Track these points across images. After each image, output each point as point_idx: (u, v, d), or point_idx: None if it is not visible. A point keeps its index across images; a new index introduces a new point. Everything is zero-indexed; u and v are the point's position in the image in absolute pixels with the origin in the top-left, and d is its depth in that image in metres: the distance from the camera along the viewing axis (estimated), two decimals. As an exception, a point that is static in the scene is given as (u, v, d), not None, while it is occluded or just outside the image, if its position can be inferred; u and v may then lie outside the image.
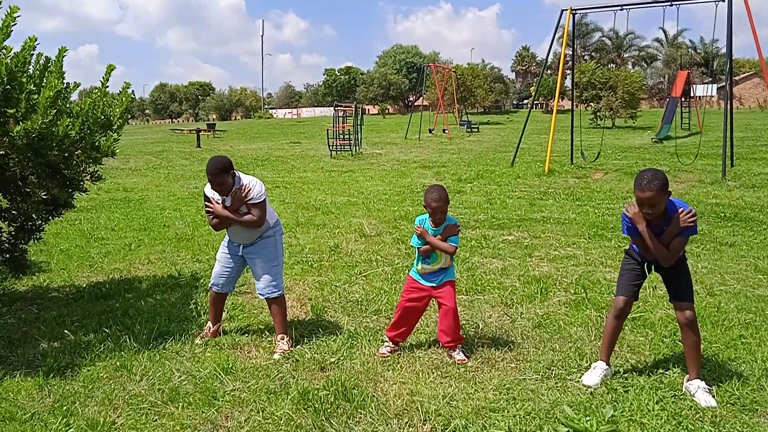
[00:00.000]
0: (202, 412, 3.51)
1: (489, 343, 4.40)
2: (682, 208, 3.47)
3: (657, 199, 3.37)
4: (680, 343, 4.19)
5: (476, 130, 36.07)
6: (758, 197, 10.26)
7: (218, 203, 4.35)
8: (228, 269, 4.60)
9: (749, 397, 3.47)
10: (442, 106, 37.72)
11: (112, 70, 5.28)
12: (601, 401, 3.48)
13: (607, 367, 3.80)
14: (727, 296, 5.31)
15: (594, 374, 3.75)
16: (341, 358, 4.20)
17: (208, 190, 4.41)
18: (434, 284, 4.21)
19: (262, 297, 4.52)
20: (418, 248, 4.20)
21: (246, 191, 4.30)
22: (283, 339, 4.41)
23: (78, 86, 5.27)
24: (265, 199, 4.36)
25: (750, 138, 22.83)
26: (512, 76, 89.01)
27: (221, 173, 4.21)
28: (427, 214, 4.18)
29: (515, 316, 4.97)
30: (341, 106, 26.25)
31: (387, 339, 4.35)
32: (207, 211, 4.42)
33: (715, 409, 3.35)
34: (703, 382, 3.53)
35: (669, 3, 14.13)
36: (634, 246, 3.74)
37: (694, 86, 32.52)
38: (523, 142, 17.71)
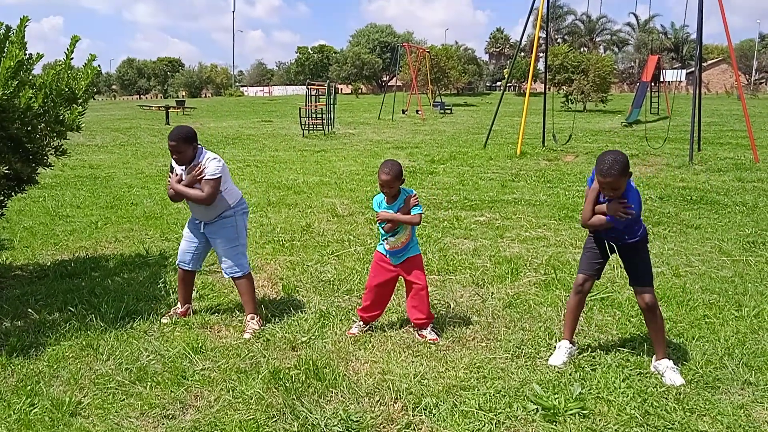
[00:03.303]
0: (171, 391, 3.47)
1: (460, 323, 4.43)
2: (629, 202, 3.49)
3: (617, 184, 3.41)
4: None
5: (449, 111, 36.07)
6: (723, 181, 10.48)
7: (177, 176, 4.31)
8: (193, 245, 4.54)
9: (712, 375, 3.56)
10: (416, 87, 37.60)
11: (77, 41, 5.11)
12: (569, 379, 3.54)
13: (570, 345, 3.86)
14: (692, 277, 5.42)
15: (559, 354, 3.81)
16: (312, 337, 4.19)
17: (176, 167, 4.35)
18: (401, 261, 4.19)
19: (229, 276, 4.49)
20: (382, 227, 4.16)
21: (200, 169, 4.21)
22: (253, 318, 4.37)
23: (41, 57, 5.07)
24: (218, 178, 4.22)
25: (717, 123, 23.29)
26: (486, 57, 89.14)
27: (181, 142, 4.15)
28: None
29: (486, 296, 5.01)
30: (314, 84, 25.97)
31: (358, 319, 4.34)
32: (168, 182, 4.39)
33: (680, 386, 3.43)
34: (671, 361, 3.61)
35: (641, -13, 14.21)
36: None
37: (663, 71, 32.95)
38: (495, 124, 17.77)
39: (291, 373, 3.62)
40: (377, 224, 4.23)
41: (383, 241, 4.23)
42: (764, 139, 17.17)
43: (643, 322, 4.27)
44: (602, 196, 3.58)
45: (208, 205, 4.29)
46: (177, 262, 4.65)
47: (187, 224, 4.63)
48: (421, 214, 4.13)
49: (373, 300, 4.26)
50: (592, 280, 3.89)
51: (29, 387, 3.51)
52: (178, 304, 4.68)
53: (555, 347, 3.93)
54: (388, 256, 4.22)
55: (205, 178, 4.20)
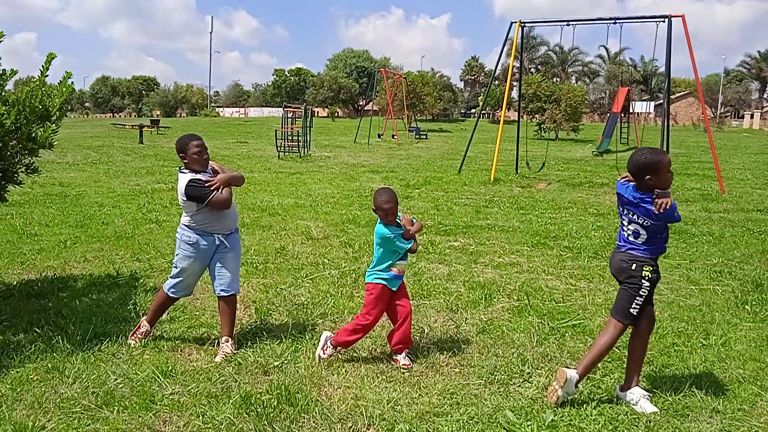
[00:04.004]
0: (139, 416, 3.39)
1: (434, 348, 4.43)
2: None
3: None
4: (617, 350, 4.33)
5: (425, 137, 36.43)
6: (691, 211, 10.73)
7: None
8: (198, 277, 4.45)
9: (681, 403, 3.61)
10: (392, 112, 37.91)
11: (53, 58, 5.06)
12: (541, 406, 3.55)
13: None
14: (661, 305, 5.51)
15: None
16: (285, 361, 4.14)
17: (194, 176, 4.19)
18: (396, 287, 4.19)
19: (226, 294, 4.31)
20: (405, 250, 4.12)
21: (218, 165, 4.38)
22: (228, 341, 4.30)
23: (15, 73, 5.02)
24: None
25: (684, 154, 23.90)
26: (461, 84, 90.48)
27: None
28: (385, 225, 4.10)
29: (460, 322, 5.02)
30: (290, 107, 26.02)
31: (393, 350, 4.23)
32: (209, 190, 4.15)
33: (651, 414, 3.46)
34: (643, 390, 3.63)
35: (613, 21, 14.65)
36: (677, 215, 3.46)
37: (633, 103, 33.81)
38: (470, 150, 17.99)
39: (263, 398, 3.57)
40: (399, 246, 4.10)
41: (389, 269, 4.11)
42: (730, 171, 17.68)
43: (614, 349, 4.34)
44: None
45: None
46: (172, 293, 4.43)
47: (194, 259, 4.31)
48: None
49: (393, 319, 4.22)
50: None
51: (-10, 411, 3.40)
52: (145, 324, 4.51)
53: (528, 373, 3.95)
54: (389, 284, 4.14)
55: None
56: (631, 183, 3.56)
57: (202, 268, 4.42)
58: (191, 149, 4.21)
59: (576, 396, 3.65)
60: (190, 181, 4.18)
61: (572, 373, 3.55)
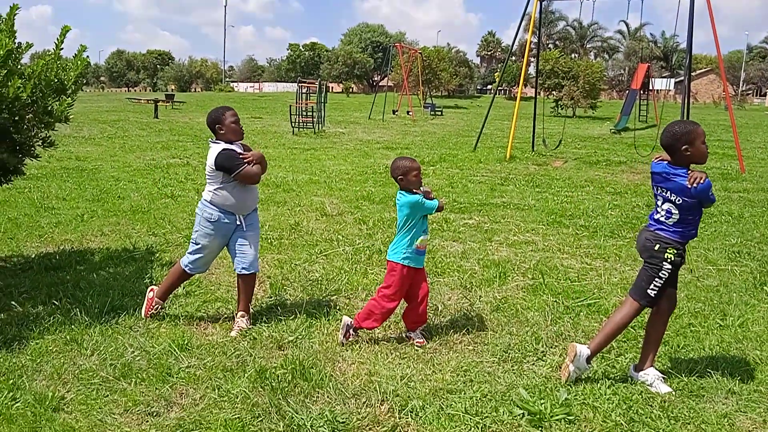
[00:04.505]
0: (156, 388, 3.44)
1: (447, 326, 4.44)
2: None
3: None
4: (632, 330, 4.31)
5: (440, 113, 36.14)
6: (709, 190, 10.58)
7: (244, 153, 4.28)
8: (215, 253, 4.47)
9: (696, 383, 3.59)
10: (407, 88, 37.62)
11: (68, 31, 5.04)
12: (555, 385, 3.55)
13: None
14: (679, 285, 5.42)
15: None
16: (299, 337, 4.17)
17: (229, 147, 4.22)
18: (423, 264, 4.17)
19: (247, 273, 4.32)
20: (434, 209, 4.09)
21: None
22: (244, 317, 4.34)
23: (30, 47, 5.00)
24: None
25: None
26: (477, 60, 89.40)
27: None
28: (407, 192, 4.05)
29: (474, 300, 5.01)
30: (305, 82, 25.87)
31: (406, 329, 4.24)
32: (244, 162, 4.19)
33: (665, 394, 3.45)
34: (658, 371, 3.62)
35: (634, -4, 14.33)
36: (711, 195, 3.39)
37: (653, 80, 33.24)
38: (485, 127, 17.83)
39: (277, 373, 3.60)
40: (429, 209, 4.07)
41: (413, 246, 4.04)
42: (750, 150, 17.38)
43: (629, 328, 4.33)
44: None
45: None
46: (190, 269, 4.43)
47: (214, 237, 4.31)
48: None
49: (409, 299, 4.20)
50: None
51: (11, 381, 3.46)
52: (157, 297, 4.51)
53: (542, 352, 3.96)
54: (415, 263, 4.07)
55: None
56: (665, 161, 3.49)
57: (221, 246, 4.42)
58: (228, 118, 4.23)
59: (589, 373, 3.64)
60: (224, 149, 4.18)
61: (582, 348, 3.54)
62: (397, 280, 4.05)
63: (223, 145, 4.21)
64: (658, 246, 3.48)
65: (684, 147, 3.36)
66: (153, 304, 4.49)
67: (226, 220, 4.29)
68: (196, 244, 4.37)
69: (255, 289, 5.10)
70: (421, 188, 4.11)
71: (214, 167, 4.18)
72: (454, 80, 56.72)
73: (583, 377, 3.62)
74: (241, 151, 4.25)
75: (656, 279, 3.50)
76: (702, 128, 3.42)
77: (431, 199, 4.10)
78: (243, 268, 4.32)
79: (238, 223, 4.32)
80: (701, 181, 3.31)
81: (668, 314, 3.65)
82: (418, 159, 14.33)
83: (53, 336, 4.07)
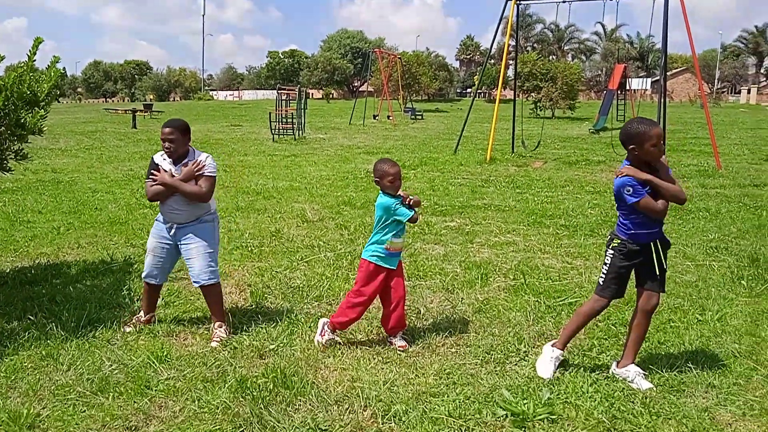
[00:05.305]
0: (134, 402, 3.38)
1: (430, 329, 4.42)
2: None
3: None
4: (613, 327, 4.33)
5: (420, 117, 36.24)
6: (687, 187, 10.71)
7: (167, 171, 4.19)
8: (160, 259, 4.40)
9: (677, 378, 3.61)
10: (387, 93, 37.68)
11: (40, 43, 4.98)
12: (537, 384, 3.55)
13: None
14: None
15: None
16: (281, 345, 4.13)
17: (158, 158, 4.25)
18: (394, 266, 4.12)
19: (197, 285, 4.34)
20: (406, 220, 4.01)
21: (200, 165, 4.21)
22: (221, 327, 4.29)
23: (3, 59, 4.95)
24: (215, 177, 4.30)
25: (680, 131, 23.85)
26: (456, 64, 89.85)
27: (178, 132, 4.14)
28: (386, 195, 4.03)
29: (456, 302, 5.01)
30: (284, 89, 25.83)
31: (388, 333, 4.21)
32: (149, 178, 4.19)
33: (647, 390, 3.46)
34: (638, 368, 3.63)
35: (608, -3, 14.49)
36: (628, 196, 3.41)
37: (629, 80, 33.62)
38: (466, 130, 17.89)
39: (258, 382, 3.55)
40: (403, 217, 3.99)
41: (384, 247, 4.03)
42: (726, 147, 17.63)
43: (610, 326, 4.35)
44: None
45: (203, 202, 4.24)
46: (143, 277, 4.49)
47: (151, 236, 4.44)
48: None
49: (384, 304, 4.18)
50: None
51: (-16, 399, 3.38)
52: (141, 312, 4.56)
53: (524, 352, 3.95)
54: (383, 262, 4.06)
55: (206, 173, 4.21)
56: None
57: (162, 251, 4.39)
58: (161, 133, 4.21)
59: (571, 372, 3.65)
60: (152, 157, 4.33)
61: (549, 347, 3.76)
62: (363, 276, 4.09)
63: (158, 154, 4.31)
64: (609, 237, 3.70)
65: (632, 147, 3.44)
66: (142, 317, 4.54)
67: (159, 226, 4.40)
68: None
69: (235, 297, 5.08)
70: (408, 196, 4.08)
71: None
72: (433, 84, 56.85)
73: (566, 374, 3.63)
74: (165, 167, 4.22)
75: (604, 266, 3.67)
76: (658, 130, 3.43)
77: (409, 208, 4.05)
78: (194, 281, 4.35)
79: (172, 232, 4.31)
80: (619, 175, 3.44)
81: (650, 312, 3.67)
82: (399, 162, 14.36)
83: (28, 352, 3.98)
